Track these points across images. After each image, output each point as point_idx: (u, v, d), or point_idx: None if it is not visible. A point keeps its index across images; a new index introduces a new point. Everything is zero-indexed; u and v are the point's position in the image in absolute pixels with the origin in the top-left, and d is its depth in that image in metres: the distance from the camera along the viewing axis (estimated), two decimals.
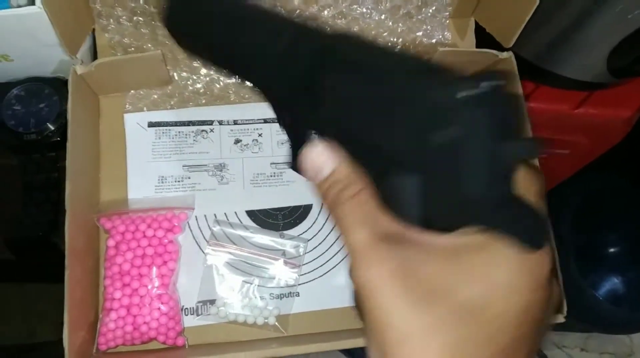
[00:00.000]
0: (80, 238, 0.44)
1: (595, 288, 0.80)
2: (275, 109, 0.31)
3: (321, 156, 0.28)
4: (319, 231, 0.50)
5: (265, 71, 0.30)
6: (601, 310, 0.81)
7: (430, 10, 0.54)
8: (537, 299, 0.23)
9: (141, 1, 0.50)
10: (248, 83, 0.32)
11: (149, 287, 0.45)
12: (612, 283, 0.80)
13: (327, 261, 0.50)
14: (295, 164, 0.35)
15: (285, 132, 0.34)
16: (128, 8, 0.50)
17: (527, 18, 0.48)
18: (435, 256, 0.23)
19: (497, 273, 0.22)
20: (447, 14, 0.54)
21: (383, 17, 0.54)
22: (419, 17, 0.54)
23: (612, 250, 0.82)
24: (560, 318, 0.45)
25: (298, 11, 0.52)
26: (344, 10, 0.53)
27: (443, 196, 0.23)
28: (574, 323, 0.86)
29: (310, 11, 0.52)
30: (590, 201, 0.87)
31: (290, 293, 0.49)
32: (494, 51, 0.50)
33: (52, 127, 0.48)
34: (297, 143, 0.33)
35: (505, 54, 0.51)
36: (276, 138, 0.52)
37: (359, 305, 0.24)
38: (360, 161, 0.27)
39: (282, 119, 0.32)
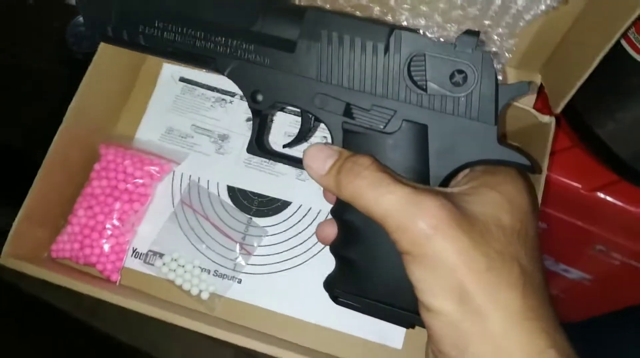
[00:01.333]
0: (75, 151, 0.48)
1: None
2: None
3: (322, 149, 0.33)
4: (284, 231, 0.49)
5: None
6: None
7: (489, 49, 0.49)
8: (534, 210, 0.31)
9: None
10: None
11: (107, 217, 0.47)
12: None
13: (278, 262, 0.48)
14: (252, 147, 0.40)
15: (252, 112, 0.38)
16: None
17: (579, 84, 0.42)
18: (470, 197, 0.30)
19: (519, 200, 0.30)
20: (505, 60, 0.49)
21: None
22: None
23: None
24: None
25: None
26: None
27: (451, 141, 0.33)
28: None
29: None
30: None
31: (233, 276, 0.48)
32: (535, 112, 0.45)
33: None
34: (262, 128, 0.40)
35: (546, 119, 0.44)
36: (285, 128, 0.52)
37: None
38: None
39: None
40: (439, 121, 0.33)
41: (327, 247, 0.38)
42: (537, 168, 0.32)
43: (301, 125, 0.40)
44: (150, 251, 0.49)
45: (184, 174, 0.51)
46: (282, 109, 0.52)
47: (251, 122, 0.51)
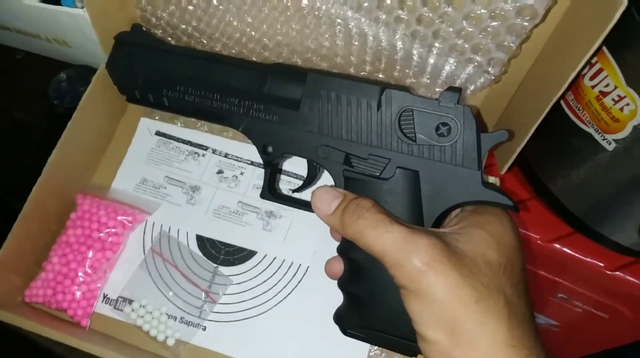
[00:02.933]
0: (53, 202, 0.51)
1: None
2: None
3: (329, 191, 0.38)
4: (249, 279, 0.51)
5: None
6: None
7: None
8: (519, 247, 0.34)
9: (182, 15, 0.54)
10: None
11: (80, 264, 0.50)
12: None
13: (242, 310, 0.50)
14: (265, 193, 0.45)
15: (264, 162, 0.44)
16: (170, 15, 0.52)
17: (519, 149, 0.46)
18: (460, 236, 0.33)
19: (506, 238, 0.33)
20: None
21: None
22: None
23: None
24: None
25: None
26: None
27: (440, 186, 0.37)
28: None
29: None
30: None
31: (198, 324, 0.50)
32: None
33: None
34: (273, 176, 0.45)
35: (491, 179, 0.48)
36: (254, 181, 0.55)
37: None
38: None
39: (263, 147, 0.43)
40: (428, 168, 0.38)
41: (289, 296, 0.45)
42: (517, 207, 0.36)
43: (307, 173, 0.45)
44: (120, 297, 0.51)
45: (155, 223, 0.54)
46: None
47: (221, 175, 0.55)
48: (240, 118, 0.43)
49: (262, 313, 0.50)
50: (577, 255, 0.61)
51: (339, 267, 0.41)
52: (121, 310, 0.51)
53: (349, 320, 0.40)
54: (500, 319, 0.29)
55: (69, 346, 0.45)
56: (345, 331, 0.40)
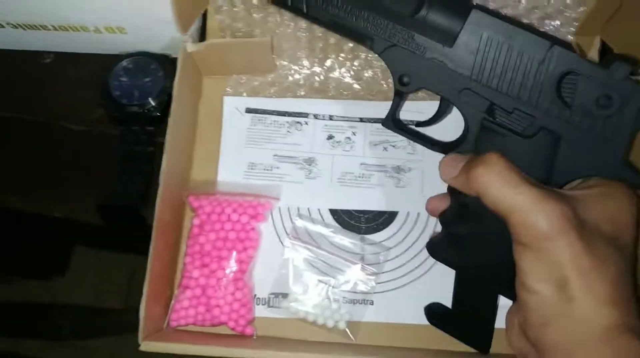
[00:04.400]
0: (168, 213, 0.45)
1: None
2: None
3: (455, 157, 0.37)
4: (402, 240, 0.48)
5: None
6: None
7: (554, 24, 0.50)
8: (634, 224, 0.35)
9: None
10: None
11: (227, 271, 0.45)
12: None
13: (407, 273, 0.47)
14: (388, 122, 0.43)
15: (396, 92, 0.41)
16: None
17: None
18: (584, 204, 0.33)
19: (622, 214, 0.34)
20: (573, 29, 0.50)
21: None
22: (542, 29, 0.50)
23: None
24: None
25: None
26: None
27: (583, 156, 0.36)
28: None
29: None
30: None
31: (365, 300, 0.47)
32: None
33: (153, 103, 0.49)
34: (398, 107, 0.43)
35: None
36: (369, 138, 0.51)
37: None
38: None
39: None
40: (573, 135, 0.36)
41: None
42: None
43: (438, 109, 0.43)
44: (271, 294, 0.47)
45: (281, 207, 0.49)
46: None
47: (332, 140, 0.51)
48: (384, 42, 0.39)
49: (423, 274, 0.48)
50: None
51: (442, 204, 0.42)
52: (278, 307, 0.47)
53: (443, 253, 0.42)
54: (607, 284, 0.31)
55: None
56: (435, 257, 0.43)
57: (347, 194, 0.50)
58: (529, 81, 0.36)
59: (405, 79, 0.40)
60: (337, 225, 0.49)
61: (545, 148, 0.36)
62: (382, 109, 0.46)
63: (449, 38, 0.37)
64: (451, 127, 0.43)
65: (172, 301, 0.45)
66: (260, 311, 0.46)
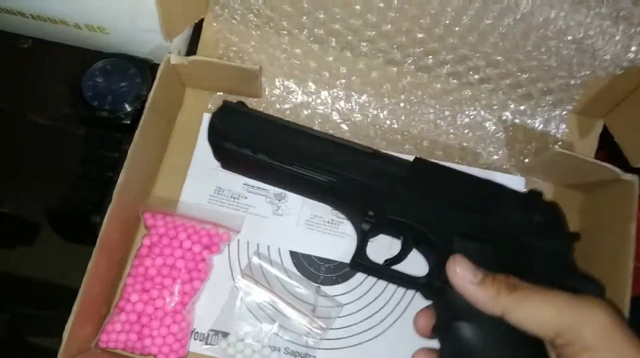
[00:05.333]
0: (117, 229, 0.42)
1: None
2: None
3: (468, 262, 0.34)
4: (358, 298, 0.46)
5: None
6: None
7: (553, 99, 0.48)
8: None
9: (261, 1, 0.47)
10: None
11: (167, 300, 0.42)
12: None
13: (357, 334, 0.45)
14: (354, 264, 0.40)
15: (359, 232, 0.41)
16: (246, 4, 0.47)
17: None
18: None
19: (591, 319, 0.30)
20: (570, 107, 0.48)
21: (501, 94, 0.48)
22: (540, 101, 0.48)
23: None
24: None
25: None
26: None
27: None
28: None
29: None
30: None
31: (307, 354, 0.44)
32: (618, 170, 0.43)
33: (127, 109, 0.47)
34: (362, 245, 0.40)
35: (628, 176, 0.43)
36: None
37: None
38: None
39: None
40: None
41: (404, 314, 0.44)
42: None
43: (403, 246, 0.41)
44: (211, 331, 0.44)
45: (240, 240, 0.47)
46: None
47: None
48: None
49: (376, 337, 0.45)
50: None
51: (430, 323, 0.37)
52: (215, 345, 0.44)
53: None
54: None
55: None
56: None
57: (312, 238, 0.47)
58: None
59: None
60: (294, 269, 0.46)
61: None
62: None
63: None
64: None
65: (106, 321, 0.43)
66: (196, 347, 0.44)
